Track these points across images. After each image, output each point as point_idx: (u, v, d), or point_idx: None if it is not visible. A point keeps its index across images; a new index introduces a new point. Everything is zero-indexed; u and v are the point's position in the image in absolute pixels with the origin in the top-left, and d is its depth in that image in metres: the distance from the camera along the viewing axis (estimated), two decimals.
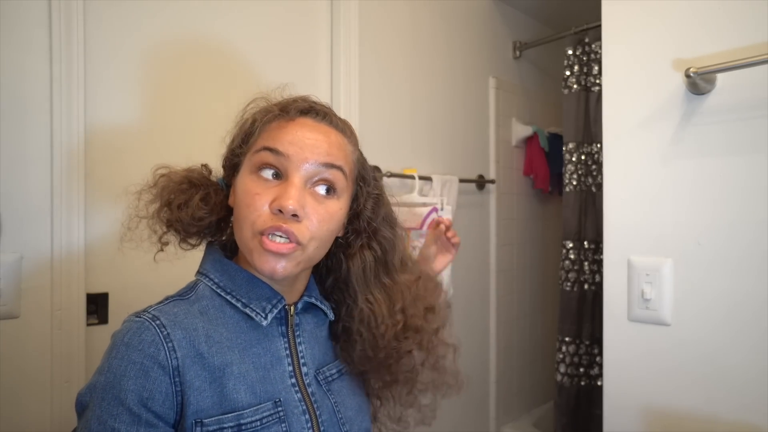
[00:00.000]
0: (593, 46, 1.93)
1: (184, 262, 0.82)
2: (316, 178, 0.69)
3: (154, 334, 0.63)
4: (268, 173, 0.68)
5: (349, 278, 0.79)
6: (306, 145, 0.68)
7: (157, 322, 0.64)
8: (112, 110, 1.19)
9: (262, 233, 0.65)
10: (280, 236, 0.65)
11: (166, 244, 0.75)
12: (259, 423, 0.65)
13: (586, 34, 1.96)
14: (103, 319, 1.17)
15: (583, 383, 1.93)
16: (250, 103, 0.77)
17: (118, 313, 1.19)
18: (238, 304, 0.70)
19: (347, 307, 0.80)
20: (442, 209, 1.77)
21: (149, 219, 0.74)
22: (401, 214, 1.78)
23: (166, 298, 0.70)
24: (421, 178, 1.74)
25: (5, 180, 1.03)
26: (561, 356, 1.96)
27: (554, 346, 2.02)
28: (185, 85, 1.30)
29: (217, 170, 0.80)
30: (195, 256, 0.79)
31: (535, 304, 2.50)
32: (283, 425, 0.67)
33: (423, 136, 1.89)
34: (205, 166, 0.79)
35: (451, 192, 1.88)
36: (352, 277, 0.79)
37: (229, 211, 0.77)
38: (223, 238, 0.81)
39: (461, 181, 1.94)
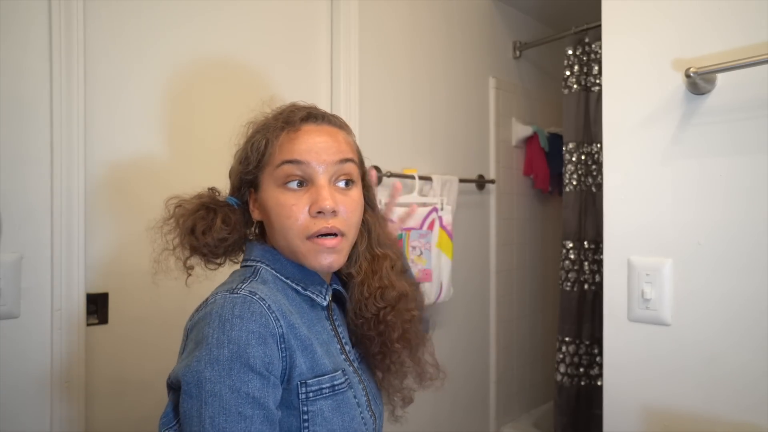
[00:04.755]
0: (593, 46, 1.93)
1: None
2: (337, 175, 0.77)
3: (261, 307, 0.68)
4: (293, 184, 0.75)
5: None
6: (321, 149, 0.76)
7: (257, 296, 0.69)
8: (112, 110, 1.19)
9: (310, 237, 0.74)
10: (328, 234, 0.74)
11: (192, 268, 0.81)
12: (343, 386, 0.74)
13: (586, 34, 1.96)
14: (103, 319, 1.17)
15: (583, 383, 1.93)
16: (248, 124, 0.82)
17: (118, 313, 1.19)
18: (299, 288, 0.78)
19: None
20: (442, 209, 1.77)
21: (174, 249, 0.80)
22: (400, 214, 1.78)
23: (239, 280, 0.73)
24: (421, 178, 1.74)
25: (5, 180, 1.03)
26: (561, 356, 1.96)
27: (554, 346, 2.02)
28: (185, 84, 1.30)
29: (223, 189, 0.84)
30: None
31: (535, 304, 2.50)
32: (352, 390, 0.76)
33: (423, 136, 1.89)
34: (212, 189, 0.84)
35: (451, 192, 1.88)
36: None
37: (249, 225, 0.84)
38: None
39: (461, 181, 1.94)
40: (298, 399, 0.69)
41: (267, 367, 0.65)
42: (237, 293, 0.68)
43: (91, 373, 1.14)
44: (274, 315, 0.68)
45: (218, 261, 0.82)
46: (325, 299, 0.79)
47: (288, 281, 0.78)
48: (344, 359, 0.80)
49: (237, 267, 0.82)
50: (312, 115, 0.79)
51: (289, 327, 0.70)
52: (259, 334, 0.65)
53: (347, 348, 0.82)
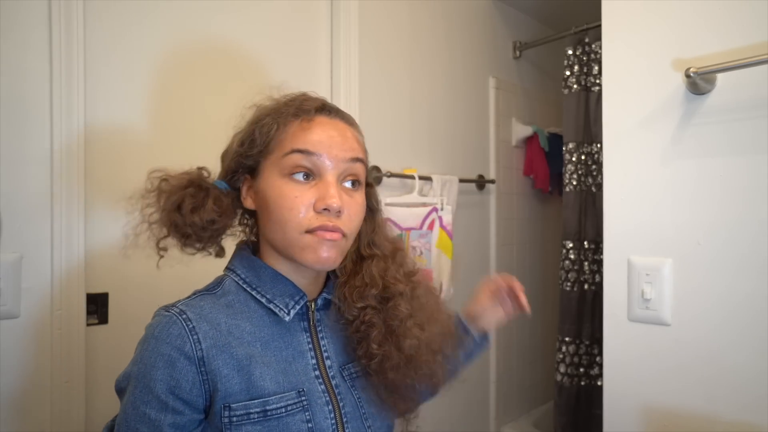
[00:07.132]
0: (593, 46, 1.93)
1: (184, 263, 0.82)
2: (345, 174, 0.73)
3: (180, 328, 0.67)
4: (300, 176, 0.71)
5: None
6: (334, 143, 0.72)
7: (184, 316, 0.68)
8: (112, 110, 1.19)
9: (310, 231, 0.70)
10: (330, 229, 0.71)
11: (165, 250, 0.75)
12: (284, 410, 0.69)
13: (586, 34, 1.96)
14: (103, 319, 1.17)
15: (583, 383, 1.93)
16: (255, 106, 0.78)
17: (118, 313, 1.19)
18: (263, 300, 0.74)
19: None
20: (442, 209, 1.77)
21: (153, 224, 0.74)
22: (400, 215, 1.78)
23: (195, 293, 0.74)
24: (421, 178, 1.74)
25: (5, 180, 1.03)
26: (561, 356, 1.96)
27: (554, 346, 2.02)
28: (186, 84, 1.30)
29: (213, 172, 0.79)
30: (197, 257, 0.79)
31: (535, 304, 2.48)
32: (306, 414, 0.70)
33: (423, 136, 1.89)
34: (202, 168, 0.78)
35: (451, 192, 1.88)
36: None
37: (236, 214, 0.79)
38: (245, 239, 0.83)
39: (461, 181, 1.94)
40: (221, 422, 0.66)
41: (172, 390, 0.66)
42: (168, 312, 0.69)
43: (91, 373, 1.14)
44: (195, 337, 0.67)
45: (198, 245, 0.76)
46: (288, 314, 0.73)
47: (253, 292, 0.74)
48: (316, 376, 0.74)
49: (211, 258, 0.79)
50: (326, 108, 0.77)
51: (218, 348, 0.68)
52: (169, 356, 0.66)
53: (328, 363, 0.76)
